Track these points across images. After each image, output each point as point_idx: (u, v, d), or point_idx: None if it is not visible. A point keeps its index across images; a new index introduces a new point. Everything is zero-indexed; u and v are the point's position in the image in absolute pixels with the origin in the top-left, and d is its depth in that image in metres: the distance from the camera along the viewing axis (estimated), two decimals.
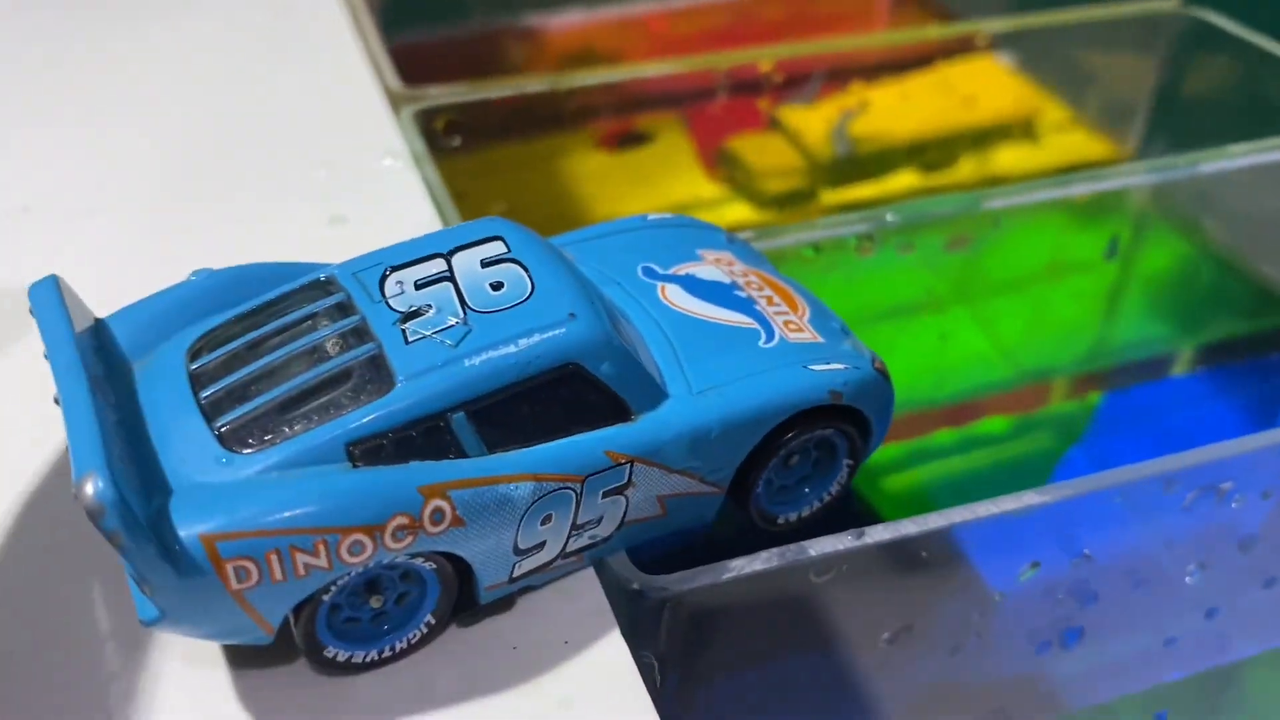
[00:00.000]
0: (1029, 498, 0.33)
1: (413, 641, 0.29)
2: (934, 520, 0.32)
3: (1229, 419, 0.60)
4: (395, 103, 0.53)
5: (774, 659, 0.33)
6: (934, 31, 0.67)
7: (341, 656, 0.28)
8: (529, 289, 0.29)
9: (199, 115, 0.52)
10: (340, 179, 0.48)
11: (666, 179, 0.73)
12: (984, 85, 0.67)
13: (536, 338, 0.28)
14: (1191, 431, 0.58)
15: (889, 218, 0.44)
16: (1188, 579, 0.38)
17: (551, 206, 0.70)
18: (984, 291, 0.58)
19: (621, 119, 0.72)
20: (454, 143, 0.55)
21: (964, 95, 0.67)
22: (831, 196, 0.70)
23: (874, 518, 0.52)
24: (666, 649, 0.31)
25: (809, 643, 0.33)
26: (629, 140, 0.74)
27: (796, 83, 0.70)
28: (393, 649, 0.28)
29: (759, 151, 0.71)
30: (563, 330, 0.28)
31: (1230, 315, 0.64)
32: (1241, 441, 0.36)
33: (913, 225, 0.46)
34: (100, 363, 0.28)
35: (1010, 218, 0.50)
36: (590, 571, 0.31)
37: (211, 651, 0.29)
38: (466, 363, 0.27)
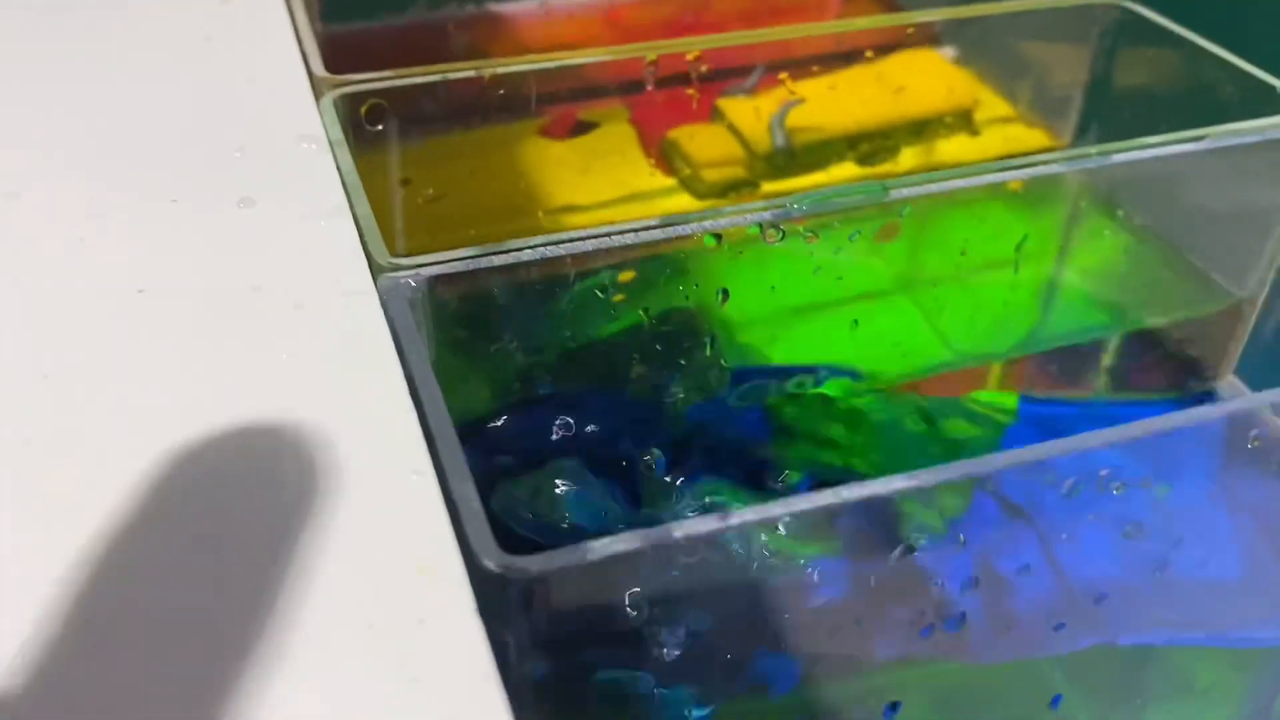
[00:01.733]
0: (897, 482, 0.33)
1: None
2: (799, 503, 0.32)
3: (1155, 406, 0.60)
4: (318, 88, 0.53)
5: (639, 641, 0.33)
6: (864, 22, 0.67)
7: None
8: None
9: (115, 98, 0.52)
10: (254, 163, 0.48)
11: (610, 169, 0.74)
12: (920, 77, 0.68)
13: None
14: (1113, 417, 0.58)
15: (794, 206, 0.45)
16: (1071, 566, 0.38)
17: (496, 195, 0.70)
18: (914, 281, 0.58)
19: (565, 108, 0.72)
20: (378, 128, 0.55)
21: (898, 87, 0.67)
22: (772, 187, 0.70)
23: None
24: (526, 630, 0.31)
25: (676, 625, 0.34)
26: (578, 129, 0.74)
27: (737, 74, 0.70)
28: None
29: (700, 143, 0.71)
30: None
31: (1163, 305, 0.64)
32: (1120, 430, 0.36)
33: (821, 213, 0.46)
34: None
35: (942, 206, 0.51)
36: (452, 549, 0.31)
37: None
38: None
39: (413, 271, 0.41)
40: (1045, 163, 0.49)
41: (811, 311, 0.56)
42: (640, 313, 0.50)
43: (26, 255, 0.42)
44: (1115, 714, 0.46)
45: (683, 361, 0.52)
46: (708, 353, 0.52)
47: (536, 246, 0.42)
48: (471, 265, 0.41)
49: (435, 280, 0.40)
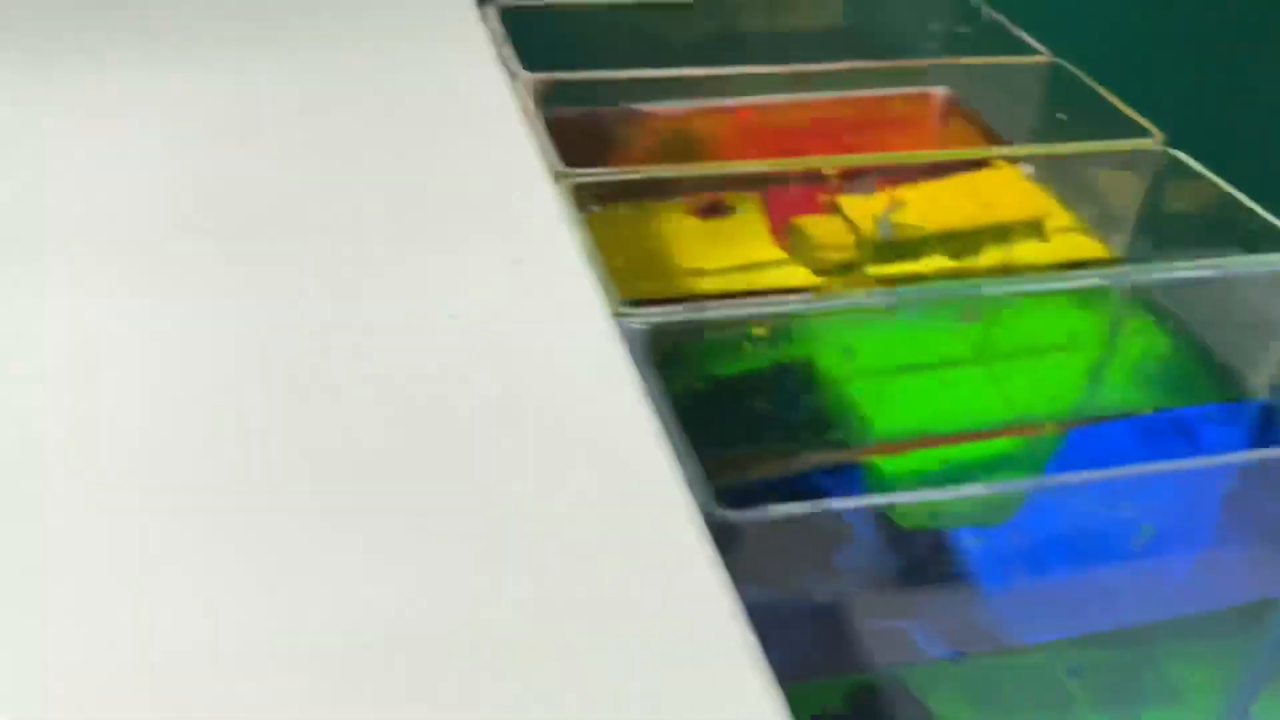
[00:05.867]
0: (969, 489, 0.50)
1: None
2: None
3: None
4: (556, 178, 0.71)
5: None
6: (964, 153, 0.85)
7: None
8: None
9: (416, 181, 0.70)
10: (515, 232, 0.66)
11: (742, 244, 0.92)
12: (1002, 189, 0.85)
13: None
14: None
15: (908, 294, 0.62)
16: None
17: (653, 259, 0.89)
18: (987, 356, 0.75)
19: (713, 193, 0.91)
20: (592, 208, 0.74)
21: (986, 197, 0.84)
22: (875, 270, 0.88)
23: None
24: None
25: None
26: (713, 210, 0.93)
27: (854, 178, 0.88)
28: None
29: (821, 229, 0.89)
30: None
31: (1199, 395, 0.80)
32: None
33: (929, 301, 0.63)
34: None
35: (1014, 300, 0.68)
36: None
37: None
38: None
39: (639, 317, 0.58)
40: (1097, 276, 0.66)
41: (906, 371, 0.73)
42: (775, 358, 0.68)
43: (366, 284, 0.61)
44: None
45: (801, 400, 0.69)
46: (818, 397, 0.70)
47: (727, 305, 0.60)
48: (682, 316, 0.58)
49: (657, 324, 0.58)
